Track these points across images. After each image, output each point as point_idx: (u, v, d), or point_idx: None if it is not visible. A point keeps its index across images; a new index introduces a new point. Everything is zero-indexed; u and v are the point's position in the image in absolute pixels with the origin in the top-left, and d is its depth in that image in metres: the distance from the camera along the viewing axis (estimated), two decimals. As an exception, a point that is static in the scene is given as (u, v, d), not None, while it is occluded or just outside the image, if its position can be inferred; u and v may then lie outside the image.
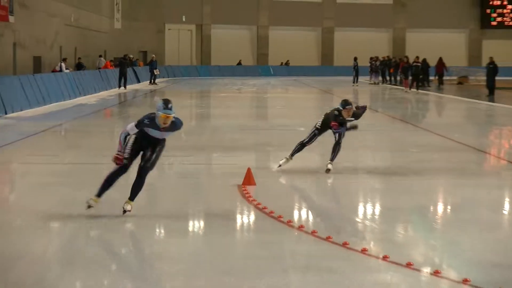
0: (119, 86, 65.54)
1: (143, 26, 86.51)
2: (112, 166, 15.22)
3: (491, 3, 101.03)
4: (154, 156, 14.55)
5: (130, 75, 66.76)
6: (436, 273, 11.38)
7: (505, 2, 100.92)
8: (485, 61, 73.86)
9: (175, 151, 27.27)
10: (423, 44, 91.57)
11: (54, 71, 53.49)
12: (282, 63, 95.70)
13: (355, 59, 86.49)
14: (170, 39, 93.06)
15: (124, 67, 67.08)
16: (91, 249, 12.98)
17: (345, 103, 19.56)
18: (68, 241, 14.00)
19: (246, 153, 24.80)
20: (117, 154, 14.17)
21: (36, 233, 14.64)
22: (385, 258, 12.26)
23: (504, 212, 17.89)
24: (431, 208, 17.94)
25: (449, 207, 17.86)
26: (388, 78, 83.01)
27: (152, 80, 73.00)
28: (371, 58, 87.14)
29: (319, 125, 20.09)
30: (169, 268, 11.92)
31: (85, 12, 68.09)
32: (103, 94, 57.59)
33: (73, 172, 22.27)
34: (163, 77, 79.74)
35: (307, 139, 21.03)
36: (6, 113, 36.20)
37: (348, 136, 31.25)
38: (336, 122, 19.23)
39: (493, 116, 44.55)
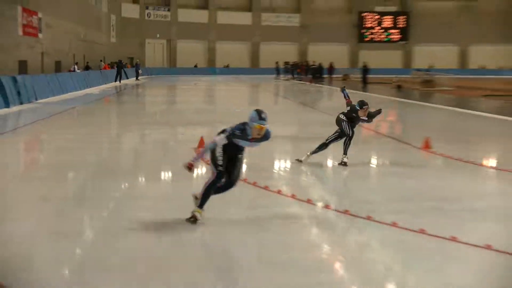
0: (115, 81, 64.89)
1: (130, 40, 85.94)
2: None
3: (364, 26, 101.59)
4: (239, 172, 10.88)
5: (123, 72, 66.77)
6: (326, 207, 11.57)
7: (374, 25, 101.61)
8: (360, 65, 74.51)
9: (152, 125, 27.39)
10: (319, 53, 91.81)
11: (69, 71, 53.18)
12: (224, 65, 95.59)
13: (277, 62, 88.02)
14: (148, 49, 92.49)
15: (120, 68, 67.19)
16: (94, 192, 13.18)
17: (362, 103, 16.59)
18: (79, 186, 14.08)
19: (200, 127, 24.59)
20: (191, 162, 10.15)
21: (57, 180, 14.65)
22: (293, 196, 12.40)
23: (372, 166, 18.02)
24: (325, 163, 17.95)
25: (336, 163, 17.91)
26: (295, 76, 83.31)
27: (137, 77, 72.83)
28: (285, 62, 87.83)
29: (345, 118, 16.52)
30: (145, 204, 12.05)
31: (91, 30, 67.60)
32: (103, 86, 56.93)
33: (83, 140, 22.13)
34: (144, 75, 79.22)
35: (350, 134, 16.62)
36: (36, 99, 35.93)
37: (285, 117, 31.03)
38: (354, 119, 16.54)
39: (366, 100, 44.28)
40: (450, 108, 36.32)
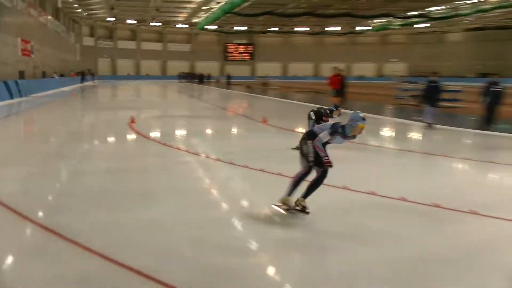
0: (80, 83, 62.28)
1: (88, 59, 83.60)
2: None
3: (228, 51, 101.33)
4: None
5: (84, 78, 65.12)
6: (207, 156, 11.47)
7: (234, 50, 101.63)
8: (225, 73, 74.73)
9: (102, 109, 26.65)
10: (202, 67, 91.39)
11: (51, 77, 51.35)
12: (146, 74, 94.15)
13: (179, 72, 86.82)
14: (99, 64, 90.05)
15: (83, 75, 65.37)
16: (67, 149, 12.64)
17: (337, 105, 13.10)
18: (58, 145, 13.60)
19: (132, 110, 23.97)
20: (326, 159, 7.01)
21: (44, 142, 14.22)
22: (187, 151, 12.27)
23: (233, 132, 17.97)
24: (211, 130, 17.89)
25: (217, 129, 17.84)
26: (188, 80, 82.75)
27: (93, 81, 71.26)
28: (183, 72, 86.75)
29: (314, 118, 12.75)
30: (99, 156, 11.74)
31: (64, 53, 65.60)
32: (72, 86, 55.08)
33: (60, 118, 21.47)
34: (97, 80, 77.36)
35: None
36: (31, 94, 34.67)
37: (182, 104, 30.44)
38: (327, 117, 12.56)
39: (229, 94, 44.41)
40: (278, 99, 36.70)
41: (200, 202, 7.83)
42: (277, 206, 7.34)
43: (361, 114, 6.87)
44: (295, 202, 7.22)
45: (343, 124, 6.92)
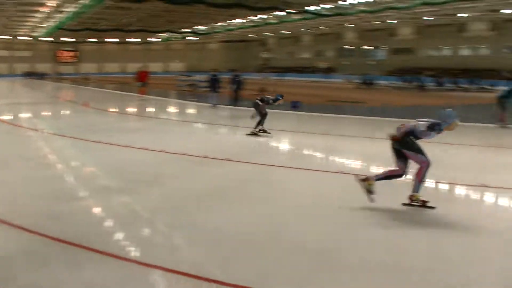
0: None
1: None
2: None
3: (58, 55, 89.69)
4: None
5: None
6: (45, 131, 10.26)
7: (63, 55, 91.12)
8: (57, 71, 67.19)
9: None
10: (42, 67, 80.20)
11: None
12: (24, 73, 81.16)
13: (24, 71, 75.00)
14: None
15: None
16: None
17: (282, 95, 10.02)
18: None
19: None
20: (396, 135, 4.94)
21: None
22: (30, 128, 10.90)
23: (74, 114, 16.26)
24: (48, 112, 15.82)
25: (53, 111, 15.87)
26: (31, 77, 72.30)
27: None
28: (27, 71, 75.25)
29: (261, 103, 10.00)
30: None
31: None
32: None
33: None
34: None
35: (263, 112, 10.07)
36: None
37: (26, 95, 26.63)
38: (267, 105, 9.98)
39: (61, 87, 39.47)
40: (96, 88, 33.89)
41: (41, 164, 7.13)
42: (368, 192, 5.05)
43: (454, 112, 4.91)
44: (365, 181, 5.06)
45: (439, 122, 4.89)
